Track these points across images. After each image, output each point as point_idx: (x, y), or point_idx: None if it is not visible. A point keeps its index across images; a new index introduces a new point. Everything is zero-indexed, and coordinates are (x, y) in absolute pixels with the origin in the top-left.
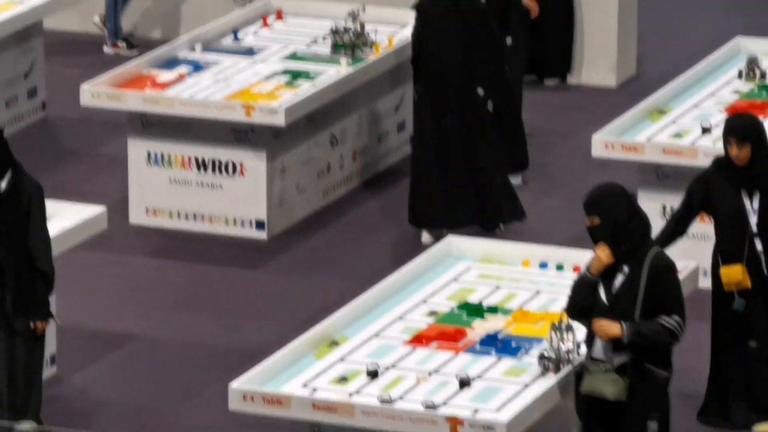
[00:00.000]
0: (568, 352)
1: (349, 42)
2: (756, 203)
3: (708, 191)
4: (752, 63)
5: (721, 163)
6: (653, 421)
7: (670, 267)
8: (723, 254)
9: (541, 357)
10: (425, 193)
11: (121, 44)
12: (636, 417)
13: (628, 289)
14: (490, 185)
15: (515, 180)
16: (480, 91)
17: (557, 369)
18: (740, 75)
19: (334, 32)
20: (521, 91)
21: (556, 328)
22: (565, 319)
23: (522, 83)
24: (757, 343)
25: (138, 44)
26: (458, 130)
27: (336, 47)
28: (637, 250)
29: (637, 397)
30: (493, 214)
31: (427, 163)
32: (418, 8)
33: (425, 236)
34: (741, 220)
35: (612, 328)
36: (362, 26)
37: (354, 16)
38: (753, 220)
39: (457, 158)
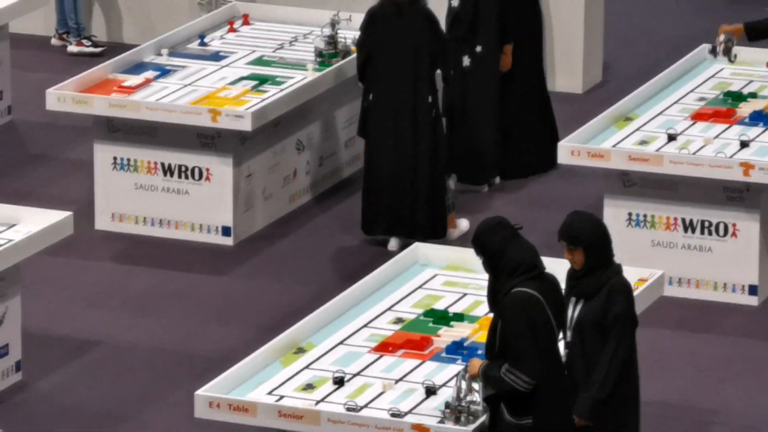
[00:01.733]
0: (470, 402)
1: (342, 48)
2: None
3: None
4: (729, 41)
5: None
6: None
7: (511, 308)
8: None
9: (446, 405)
10: (373, 200)
11: (86, 42)
12: None
13: (494, 325)
14: (434, 194)
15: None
16: (429, 98)
17: (457, 419)
18: (713, 51)
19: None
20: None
21: (462, 376)
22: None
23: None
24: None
25: (102, 44)
26: (407, 139)
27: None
28: (504, 285)
29: None
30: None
31: (377, 170)
32: (367, 16)
33: (392, 243)
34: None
35: (473, 366)
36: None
37: (336, 22)
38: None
39: (406, 165)
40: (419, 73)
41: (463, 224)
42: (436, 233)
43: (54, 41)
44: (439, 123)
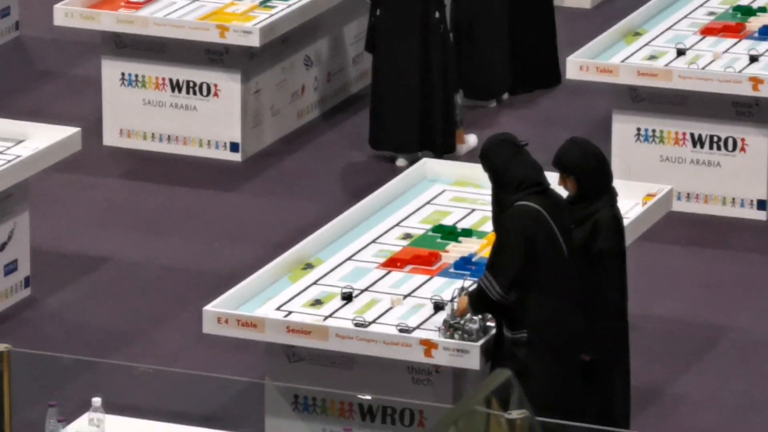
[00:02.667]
0: (466, 320)
1: None
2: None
3: None
4: None
5: None
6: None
7: (509, 219)
8: None
9: (443, 322)
10: (381, 117)
11: None
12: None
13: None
14: (443, 111)
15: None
16: (436, 14)
17: (451, 336)
18: None
19: None
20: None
21: (457, 295)
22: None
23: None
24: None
25: None
26: (416, 55)
27: None
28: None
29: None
30: (444, 140)
31: (384, 86)
32: None
33: (400, 159)
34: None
35: (461, 303)
36: None
37: None
38: None
39: (414, 83)
40: None
41: (471, 140)
42: (446, 148)
43: None
44: (447, 38)
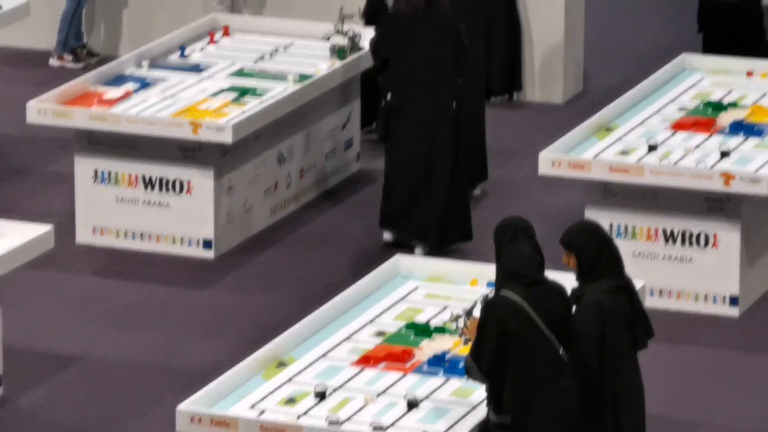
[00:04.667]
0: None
1: (348, 44)
2: None
3: None
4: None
5: None
6: None
7: (481, 310)
8: None
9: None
10: (393, 197)
11: (68, 57)
12: None
13: None
14: (447, 202)
15: (475, 191)
16: (453, 104)
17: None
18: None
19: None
20: (483, 101)
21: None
22: None
23: (483, 94)
24: None
25: (86, 59)
26: (427, 142)
27: (339, 52)
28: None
29: None
30: (439, 236)
31: (396, 169)
32: (387, 19)
33: (386, 234)
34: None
35: (472, 325)
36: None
37: (344, 17)
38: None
39: (424, 170)
40: (442, 79)
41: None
42: (466, 236)
43: (52, 62)
44: (459, 126)
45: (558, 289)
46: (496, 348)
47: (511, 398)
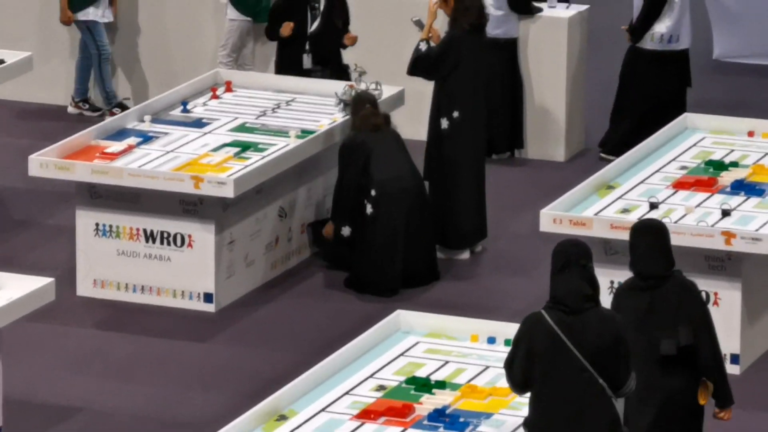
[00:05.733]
0: None
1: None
2: None
3: None
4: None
5: None
6: None
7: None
8: None
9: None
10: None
11: (84, 105)
12: None
13: None
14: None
15: (476, 248)
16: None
17: None
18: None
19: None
20: (484, 158)
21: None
22: None
23: (484, 151)
24: None
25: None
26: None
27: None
28: None
29: None
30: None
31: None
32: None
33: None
34: None
35: None
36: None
37: (361, 72)
38: None
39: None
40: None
41: None
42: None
43: (70, 109)
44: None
45: (602, 319)
46: (525, 361)
47: (533, 414)
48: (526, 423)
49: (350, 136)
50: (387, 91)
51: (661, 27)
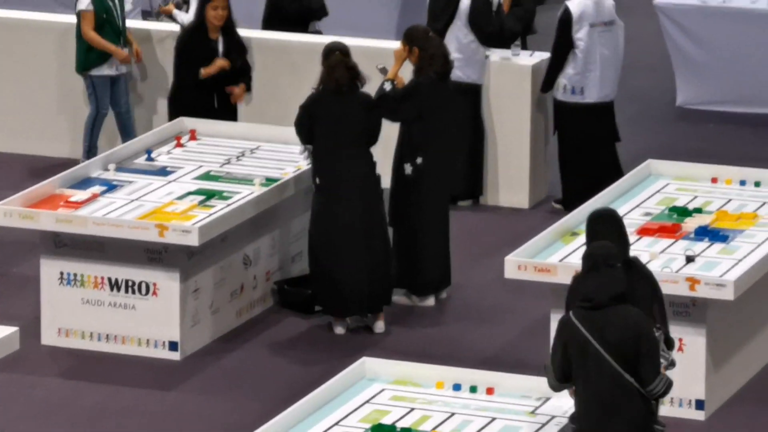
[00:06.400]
0: None
1: None
2: None
3: None
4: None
5: None
6: None
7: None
8: None
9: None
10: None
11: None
12: None
13: None
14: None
15: (441, 295)
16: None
17: None
18: None
19: None
20: (448, 205)
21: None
22: None
23: (447, 198)
24: None
25: None
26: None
27: None
28: None
29: None
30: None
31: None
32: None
33: (338, 328)
34: None
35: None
36: None
37: (382, 70)
38: None
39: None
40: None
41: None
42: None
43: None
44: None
45: (625, 315)
46: (562, 361)
47: (576, 409)
48: (573, 418)
49: (309, 96)
50: None
51: (563, 78)
